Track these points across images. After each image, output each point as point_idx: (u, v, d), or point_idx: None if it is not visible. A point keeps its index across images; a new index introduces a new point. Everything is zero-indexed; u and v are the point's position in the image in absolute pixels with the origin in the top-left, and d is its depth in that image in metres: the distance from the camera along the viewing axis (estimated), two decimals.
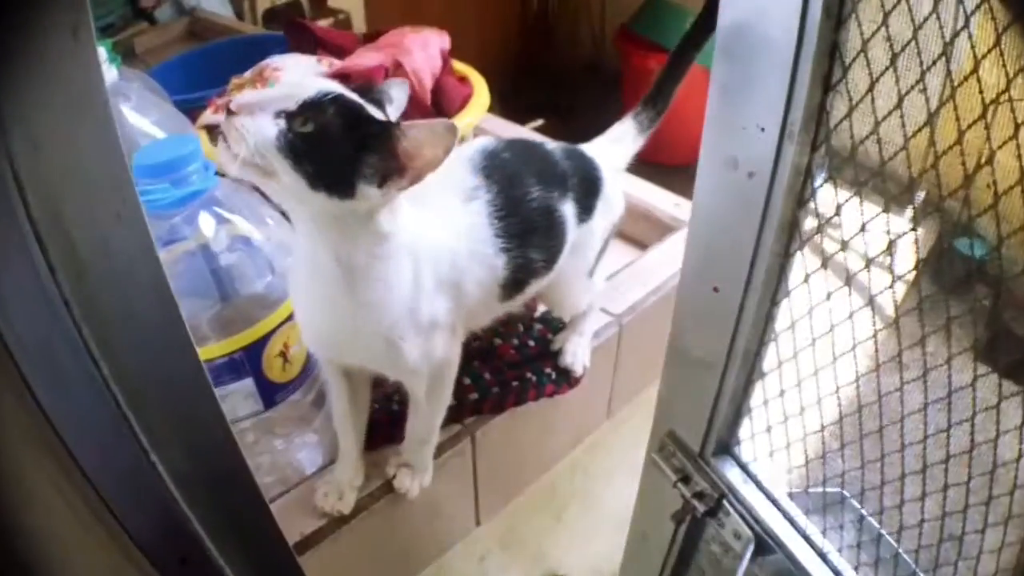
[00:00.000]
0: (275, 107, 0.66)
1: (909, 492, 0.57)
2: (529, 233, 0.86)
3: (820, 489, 0.66)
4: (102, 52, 1.02)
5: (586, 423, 1.20)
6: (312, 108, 0.66)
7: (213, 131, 1.23)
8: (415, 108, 1.21)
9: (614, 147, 1.05)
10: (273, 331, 0.85)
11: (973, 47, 0.40)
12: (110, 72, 1.03)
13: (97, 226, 0.33)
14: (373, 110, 0.70)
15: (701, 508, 0.70)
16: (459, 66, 1.38)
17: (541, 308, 1.14)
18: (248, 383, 0.86)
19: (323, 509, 0.90)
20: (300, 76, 1.19)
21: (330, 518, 0.90)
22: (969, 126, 0.41)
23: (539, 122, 3.28)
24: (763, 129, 0.53)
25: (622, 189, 1.03)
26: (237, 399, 0.87)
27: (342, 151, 0.67)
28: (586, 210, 0.94)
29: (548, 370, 1.04)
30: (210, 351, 0.83)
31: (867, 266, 0.52)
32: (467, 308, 0.84)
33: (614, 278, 1.19)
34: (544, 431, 1.11)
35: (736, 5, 0.53)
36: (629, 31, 3.12)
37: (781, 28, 0.50)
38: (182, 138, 0.87)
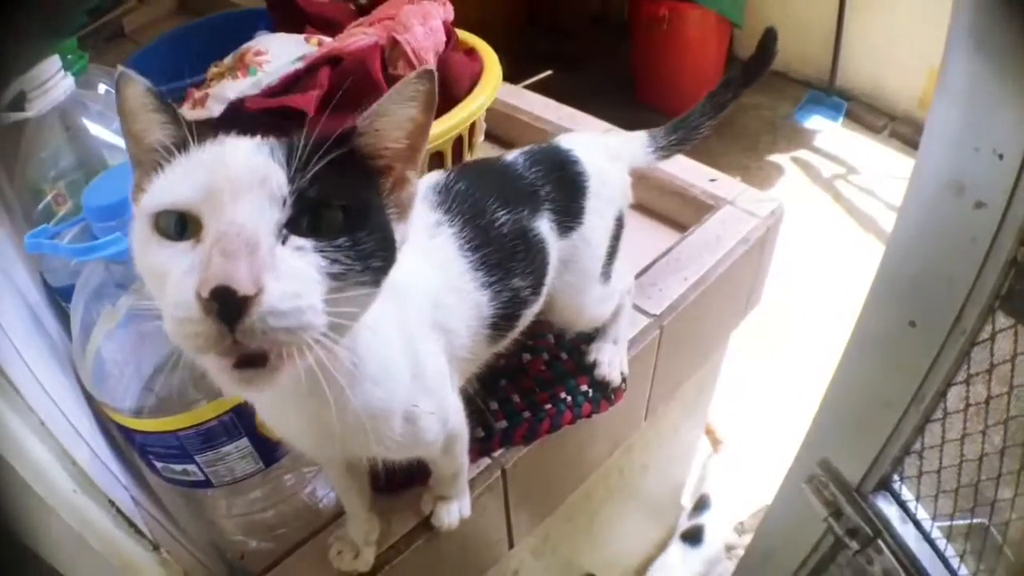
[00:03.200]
0: (267, 230, 0.40)
1: None
2: (508, 260, 0.69)
3: (984, 522, 0.56)
4: (56, 60, 0.82)
5: (624, 431, 1.04)
6: (302, 195, 0.42)
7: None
8: None
9: (616, 140, 0.87)
10: None
11: None
12: (66, 81, 0.83)
13: None
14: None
15: (855, 546, 0.63)
16: (464, 36, 1.15)
17: None
18: (244, 443, 0.70)
19: (339, 569, 0.75)
20: (281, 63, 0.97)
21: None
22: None
23: (547, 73, 3.04)
24: (1001, 156, 0.42)
25: (625, 178, 0.83)
26: (234, 459, 0.71)
27: (364, 201, 0.46)
28: (573, 216, 0.76)
29: (584, 388, 0.87)
30: (200, 414, 0.67)
31: None
32: (457, 356, 0.66)
33: (650, 271, 1.00)
34: (580, 448, 0.95)
35: None
36: None
37: None
38: None
